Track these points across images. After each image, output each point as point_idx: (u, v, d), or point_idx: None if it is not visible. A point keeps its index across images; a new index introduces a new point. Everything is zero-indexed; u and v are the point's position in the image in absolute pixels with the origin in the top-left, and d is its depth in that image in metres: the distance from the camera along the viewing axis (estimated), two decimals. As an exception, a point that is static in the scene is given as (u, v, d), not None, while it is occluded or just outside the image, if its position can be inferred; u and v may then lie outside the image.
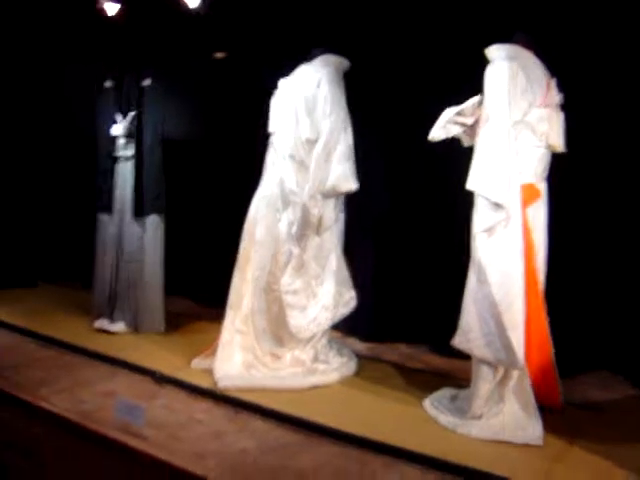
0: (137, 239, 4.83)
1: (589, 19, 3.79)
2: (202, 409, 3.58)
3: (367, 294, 4.57)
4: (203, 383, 3.82)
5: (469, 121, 3.33)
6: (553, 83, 3.29)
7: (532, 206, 3.24)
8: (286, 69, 4.07)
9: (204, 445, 3.13)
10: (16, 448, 3.49)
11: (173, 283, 5.24)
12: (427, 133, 3.39)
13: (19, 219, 6.34)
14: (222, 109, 5.22)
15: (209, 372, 3.92)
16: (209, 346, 4.16)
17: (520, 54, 3.24)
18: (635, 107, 3.84)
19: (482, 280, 3.17)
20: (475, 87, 3.29)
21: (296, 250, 3.93)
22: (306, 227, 3.88)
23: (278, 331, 4.01)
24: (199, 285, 5.80)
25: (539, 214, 3.30)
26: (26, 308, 5.45)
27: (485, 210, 3.15)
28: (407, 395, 3.73)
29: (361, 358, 4.33)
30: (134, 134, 4.75)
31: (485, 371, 3.24)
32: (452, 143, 3.49)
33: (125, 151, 4.83)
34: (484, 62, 3.27)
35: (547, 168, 3.34)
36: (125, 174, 4.84)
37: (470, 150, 3.30)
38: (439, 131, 3.36)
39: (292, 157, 3.91)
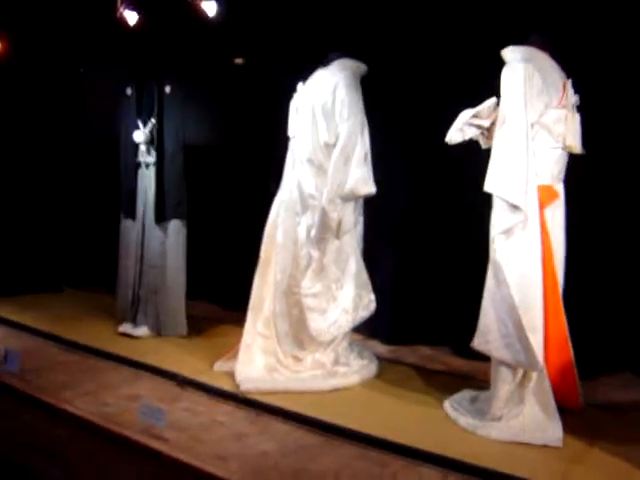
0: (159, 244, 4.88)
1: (604, 20, 3.77)
2: (224, 412, 3.60)
3: (388, 297, 4.59)
4: (225, 386, 3.85)
5: (485, 123, 3.33)
6: (569, 84, 3.29)
7: (550, 207, 3.23)
8: (304, 73, 4.10)
9: (225, 447, 3.15)
10: (39, 450, 3.53)
11: (197, 287, 5.29)
12: (444, 135, 3.39)
13: (45, 225, 6.43)
14: (241, 114, 5.26)
15: (231, 375, 3.95)
16: (231, 349, 4.20)
17: (536, 55, 3.24)
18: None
19: (500, 282, 3.17)
20: (492, 89, 3.30)
21: (315, 254, 3.96)
22: (325, 231, 3.89)
23: (299, 334, 4.03)
24: (222, 289, 5.85)
25: (557, 215, 3.29)
26: (51, 313, 5.51)
27: (502, 212, 3.15)
28: (427, 397, 3.74)
29: (382, 360, 4.34)
30: (155, 141, 4.81)
31: (504, 372, 3.24)
32: (469, 145, 3.48)
33: (147, 157, 4.86)
34: (501, 64, 3.27)
35: (564, 169, 3.33)
36: (147, 180, 4.89)
37: (488, 152, 3.31)
38: (456, 133, 3.36)
39: (310, 161, 3.94)
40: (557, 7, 3.80)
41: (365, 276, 4.07)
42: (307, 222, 3.98)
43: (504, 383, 3.25)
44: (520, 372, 3.23)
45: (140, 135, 4.81)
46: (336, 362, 4.04)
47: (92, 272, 6.60)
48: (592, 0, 3.79)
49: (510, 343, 3.16)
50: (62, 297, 6.25)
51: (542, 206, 3.19)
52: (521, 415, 3.23)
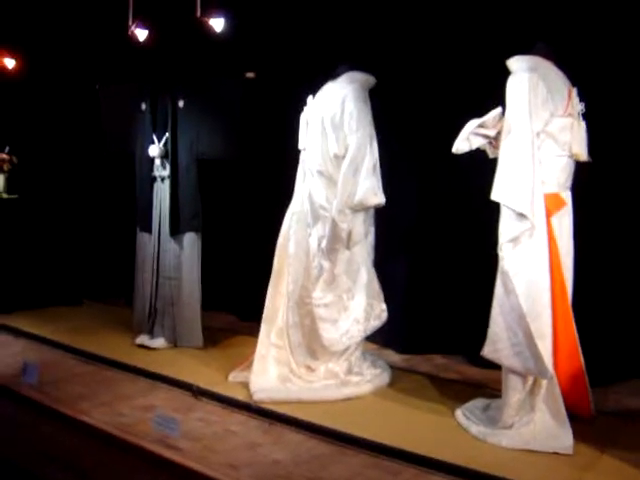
0: (174, 257, 4.94)
1: (609, 28, 3.79)
2: (237, 421, 3.65)
3: (402, 306, 4.61)
4: (239, 396, 3.89)
5: (491, 133, 3.35)
6: (574, 92, 3.31)
7: (557, 215, 3.25)
8: (314, 87, 4.15)
9: (238, 457, 3.19)
10: (56, 461, 3.57)
11: (213, 298, 5.34)
12: (452, 145, 3.42)
13: (65, 240, 6.53)
14: (253, 127, 5.31)
15: (246, 385, 3.99)
16: (245, 359, 4.24)
17: (540, 64, 3.26)
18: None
19: (509, 290, 3.18)
20: (498, 98, 3.32)
21: (327, 264, 3.99)
22: (336, 241, 3.93)
23: (312, 344, 4.07)
24: (238, 300, 5.89)
25: (564, 223, 3.31)
26: (70, 325, 5.59)
27: (510, 220, 3.17)
28: (440, 405, 3.75)
29: (396, 370, 4.36)
30: (170, 154, 4.87)
31: (514, 381, 3.25)
32: (477, 155, 3.51)
33: (162, 171, 4.92)
34: (507, 73, 3.30)
35: (571, 177, 3.34)
36: (162, 194, 4.94)
37: (495, 161, 3.33)
38: (462, 143, 3.39)
39: (321, 173, 3.99)
40: (562, 16, 3.81)
41: (376, 286, 4.09)
42: (318, 233, 4.02)
43: (514, 391, 3.26)
44: (530, 380, 3.24)
45: (155, 149, 4.86)
46: (349, 371, 4.07)
47: (111, 285, 6.70)
48: (597, 8, 3.80)
49: (520, 351, 3.17)
50: (82, 310, 6.33)
51: (549, 214, 3.20)
52: (532, 423, 3.23)
